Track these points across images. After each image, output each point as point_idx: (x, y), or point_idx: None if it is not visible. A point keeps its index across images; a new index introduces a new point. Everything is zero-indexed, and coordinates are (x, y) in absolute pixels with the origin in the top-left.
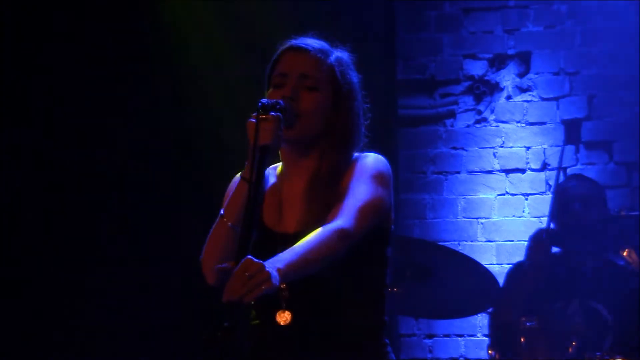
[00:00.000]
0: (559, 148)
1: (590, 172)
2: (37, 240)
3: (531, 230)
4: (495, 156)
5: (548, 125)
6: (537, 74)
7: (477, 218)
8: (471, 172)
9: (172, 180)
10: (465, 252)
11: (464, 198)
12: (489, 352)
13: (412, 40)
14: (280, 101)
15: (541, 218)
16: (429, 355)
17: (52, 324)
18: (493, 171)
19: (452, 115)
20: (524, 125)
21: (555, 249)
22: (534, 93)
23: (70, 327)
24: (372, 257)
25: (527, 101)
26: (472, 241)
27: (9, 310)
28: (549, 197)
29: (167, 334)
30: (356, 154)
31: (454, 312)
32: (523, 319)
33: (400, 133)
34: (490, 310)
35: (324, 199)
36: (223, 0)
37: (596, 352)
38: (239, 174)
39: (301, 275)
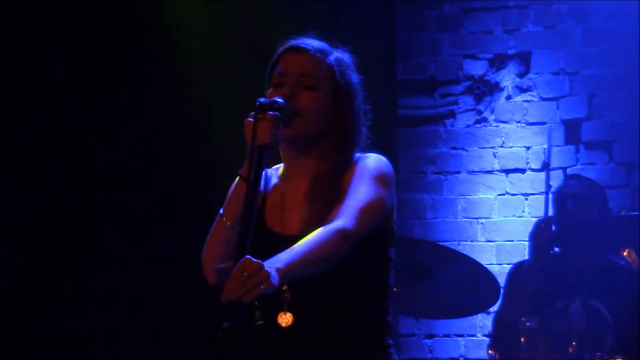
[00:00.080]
0: (559, 148)
1: (590, 172)
2: (36, 240)
3: (531, 230)
4: (495, 156)
5: (548, 125)
6: (537, 74)
7: (477, 218)
8: (471, 172)
9: (172, 180)
10: (465, 252)
11: (464, 198)
12: (489, 352)
13: (412, 40)
14: (278, 100)
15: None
16: (429, 355)
17: (52, 324)
18: (493, 171)
19: (452, 115)
20: (524, 125)
21: (555, 249)
22: (534, 93)
23: (70, 327)
24: (374, 257)
25: (527, 101)
26: (472, 241)
27: (8, 310)
28: (549, 197)
29: (167, 334)
30: (358, 155)
31: (454, 312)
32: (523, 319)
33: (400, 133)
34: (490, 310)
35: (325, 199)
36: (223, 0)
37: (596, 352)
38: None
39: (301, 275)
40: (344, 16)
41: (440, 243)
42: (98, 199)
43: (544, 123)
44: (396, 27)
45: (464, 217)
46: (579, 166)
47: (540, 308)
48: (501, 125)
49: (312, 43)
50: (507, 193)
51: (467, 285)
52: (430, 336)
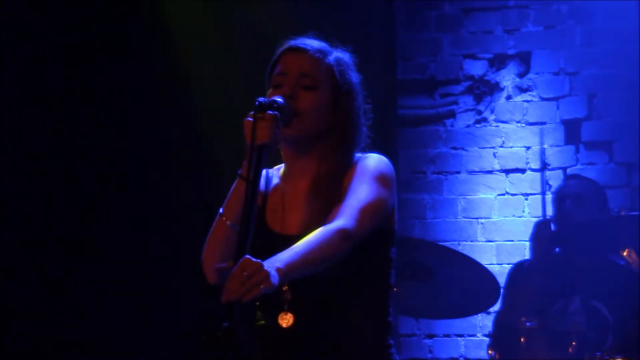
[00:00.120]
0: (559, 148)
1: (590, 172)
2: (36, 240)
3: (531, 230)
4: (495, 156)
5: (548, 125)
6: (537, 74)
7: (477, 218)
8: (471, 172)
9: (172, 179)
10: (465, 252)
11: (464, 198)
12: (489, 352)
13: (412, 40)
14: (277, 99)
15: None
16: (429, 355)
17: (52, 324)
18: (493, 171)
19: (452, 115)
20: (524, 125)
21: (555, 249)
22: (534, 93)
23: (70, 327)
24: (375, 258)
25: (527, 101)
26: (472, 241)
27: (8, 311)
28: (549, 197)
29: (167, 334)
30: (359, 155)
31: (454, 312)
32: (523, 319)
33: (400, 133)
34: (490, 310)
35: (325, 199)
36: (223, 0)
37: (596, 352)
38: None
39: (301, 275)
40: (344, 16)
41: (440, 243)
42: (98, 198)
43: (544, 123)
44: (396, 27)
45: (464, 217)
46: (579, 166)
47: (540, 308)
48: (501, 125)
49: (312, 43)
50: (507, 193)
51: (467, 285)
52: (430, 336)
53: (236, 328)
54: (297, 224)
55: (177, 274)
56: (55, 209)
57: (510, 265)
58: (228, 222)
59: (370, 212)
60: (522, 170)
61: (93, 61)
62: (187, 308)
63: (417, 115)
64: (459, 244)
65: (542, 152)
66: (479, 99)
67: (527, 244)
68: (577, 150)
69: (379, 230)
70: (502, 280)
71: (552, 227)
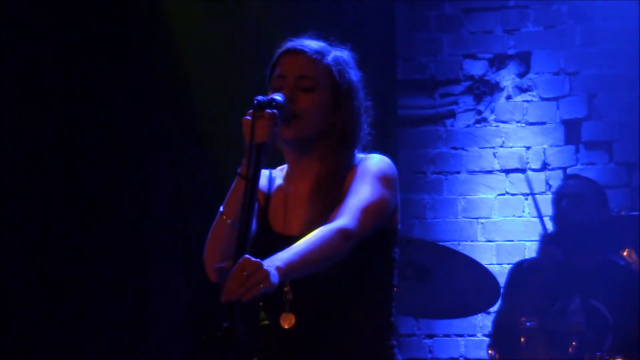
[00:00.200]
0: (559, 148)
1: (590, 172)
2: (36, 240)
3: (531, 230)
4: (495, 156)
5: (548, 125)
6: (537, 74)
7: (477, 218)
8: (471, 172)
9: (172, 178)
10: (465, 252)
11: (464, 198)
12: (489, 352)
13: (412, 40)
14: (276, 98)
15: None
16: (429, 355)
17: (52, 324)
18: (493, 171)
19: (452, 115)
20: (524, 125)
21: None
22: (534, 93)
23: (70, 327)
24: (377, 258)
25: (527, 101)
26: (472, 241)
27: (8, 310)
28: (549, 197)
29: (167, 334)
30: (361, 155)
31: (454, 312)
32: (523, 319)
33: (400, 133)
34: (490, 310)
35: (327, 200)
36: (223, 0)
37: (596, 352)
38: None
39: (301, 274)
40: (344, 16)
41: (440, 243)
42: (97, 198)
43: (544, 123)
44: (396, 27)
45: (464, 217)
46: (579, 166)
47: (540, 308)
48: (501, 125)
49: (310, 44)
50: (507, 193)
51: (467, 285)
52: (430, 336)
53: (236, 328)
54: (299, 224)
55: (178, 274)
56: (55, 208)
57: (510, 265)
58: (228, 220)
59: (372, 213)
60: (522, 170)
61: (93, 61)
62: (187, 308)
63: (417, 115)
64: (459, 244)
65: (545, 152)
66: (479, 99)
67: (527, 244)
68: (577, 150)
69: (381, 230)
70: (502, 280)
71: (553, 227)
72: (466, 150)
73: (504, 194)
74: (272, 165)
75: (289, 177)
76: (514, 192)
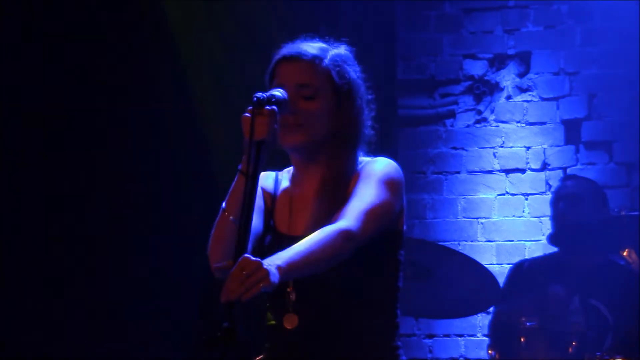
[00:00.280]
0: (559, 148)
1: (590, 172)
2: (36, 239)
3: (531, 230)
4: (495, 156)
5: (548, 125)
6: (537, 74)
7: (477, 218)
8: (471, 172)
9: (173, 177)
10: (465, 252)
11: (464, 198)
12: (489, 352)
13: (412, 40)
14: (275, 94)
15: (541, 218)
16: (429, 355)
17: (51, 324)
18: (493, 171)
19: (452, 115)
20: (524, 125)
21: (554, 249)
22: (534, 93)
23: (70, 326)
24: (382, 260)
25: (527, 101)
26: (472, 241)
27: (8, 309)
28: (549, 197)
29: (167, 333)
30: (367, 159)
31: (454, 312)
32: (523, 319)
33: (400, 133)
34: (490, 310)
35: (332, 202)
36: (223, 0)
37: (596, 352)
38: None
39: (302, 274)
40: (344, 16)
41: (440, 243)
42: (98, 197)
43: (544, 123)
44: (396, 27)
45: (464, 217)
46: (579, 166)
47: (540, 308)
48: (501, 125)
49: (307, 49)
50: (507, 193)
51: (467, 285)
52: (430, 336)
53: (236, 328)
54: (303, 226)
55: (178, 273)
56: (55, 208)
57: (510, 265)
58: (230, 217)
59: (375, 215)
60: (522, 170)
61: (93, 61)
62: (188, 308)
63: (417, 115)
64: (459, 244)
65: (545, 152)
66: (479, 99)
67: (527, 244)
68: (577, 150)
69: (387, 232)
70: (502, 280)
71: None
72: (466, 150)
73: (504, 194)
74: (278, 166)
75: (295, 179)
76: (514, 192)
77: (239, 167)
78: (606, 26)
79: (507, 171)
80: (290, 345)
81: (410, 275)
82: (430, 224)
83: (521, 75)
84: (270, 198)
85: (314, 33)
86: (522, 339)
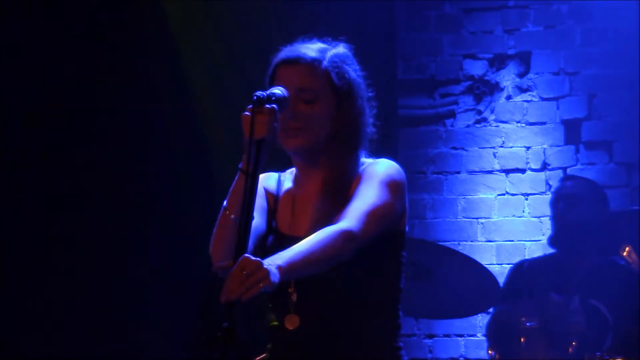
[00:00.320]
0: (559, 148)
1: (590, 172)
2: (36, 239)
3: (531, 230)
4: (495, 156)
5: (548, 125)
6: (537, 74)
7: (477, 218)
8: (471, 172)
9: (172, 178)
10: (465, 252)
11: (464, 198)
12: (489, 352)
13: (412, 40)
14: (275, 92)
15: (541, 218)
16: (429, 355)
17: (51, 323)
18: (493, 171)
19: (452, 115)
20: (524, 125)
21: (554, 249)
22: (534, 93)
23: (69, 326)
24: (384, 261)
25: (527, 101)
26: (472, 241)
27: (9, 309)
28: (549, 197)
29: (167, 334)
30: (369, 160)
31: (454, 312)
32: (523, 319)
33: (400, 133)
34: (490, 310)
35: (333, 203)
36: (223, 0)
37: (596, 352)
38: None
39: (303, 274)
40: (344, 16)
41: (440, 243)
42: (98, 197)
43: (544, 123)
44: (396, 27)
45: (464, 217)
46: (579, 166)
47: (540, 308)
48: (501, 125)
49: (305, 51)
50: (507, 193)
51: (467, 285)
52: (430, 336)
53: (236, 328)
54: (305, 226)
55: (178, 273)
56: (55, 208)
57: (510, 265)
58: (232, 215)
59: (376, 216)
60: (522, 170)
61: (93, 61)
62: (188, 308)
63: (417, 115)
64: (459, 244)
65: (545, 152)
66: (479, 99)
67: (527, 244)
68: (577, 150)
69: (389, 233)
70: (502, 280)
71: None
72: (466, 150)
73: (504, 194)
74: (279, 167)
75: (297, 180)
76: (514, 192)
77: (240, 165)
78: (606, 26)
79: (507, 171)
80: (291, 346)
81: (410, 275)
82: (430, 224)
83: (521, 75)
84: (273, 199)
85: (312, 34)
86: (522, 339)
